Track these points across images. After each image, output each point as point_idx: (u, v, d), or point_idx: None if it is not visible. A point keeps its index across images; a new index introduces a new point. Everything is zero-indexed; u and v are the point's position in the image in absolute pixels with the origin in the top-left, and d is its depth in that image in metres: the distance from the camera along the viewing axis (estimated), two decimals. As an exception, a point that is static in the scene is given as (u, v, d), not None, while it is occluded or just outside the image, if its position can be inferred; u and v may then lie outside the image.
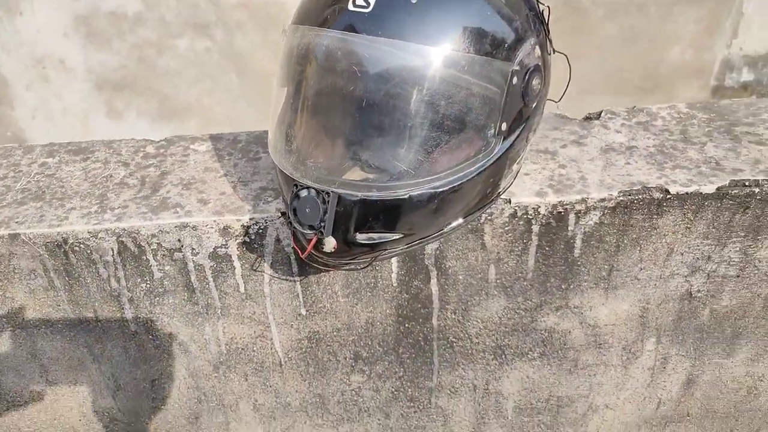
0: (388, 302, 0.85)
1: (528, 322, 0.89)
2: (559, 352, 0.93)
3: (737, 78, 1.00)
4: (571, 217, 0.78)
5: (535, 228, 0.79)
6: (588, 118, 0.94)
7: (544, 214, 0.78)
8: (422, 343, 0.91)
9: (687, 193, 0.77)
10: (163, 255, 0.78)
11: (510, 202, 0.77)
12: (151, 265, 0.79)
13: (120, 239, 0.76)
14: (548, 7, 0.68)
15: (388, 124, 0.61)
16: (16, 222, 0.76)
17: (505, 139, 0.65)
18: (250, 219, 0.76)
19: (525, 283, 0.85)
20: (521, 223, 0.78)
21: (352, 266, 0.75)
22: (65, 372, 0.89)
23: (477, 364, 0.94)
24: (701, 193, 0.77)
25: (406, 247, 0.68)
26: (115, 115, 0.91)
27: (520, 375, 0.96)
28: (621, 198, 0.77)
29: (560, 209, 0.77)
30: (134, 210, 0.77)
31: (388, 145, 0.63)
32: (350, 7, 0.59)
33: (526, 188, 0.79)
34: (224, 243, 0.78)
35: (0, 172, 0.85)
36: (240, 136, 0.92)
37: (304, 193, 0.63)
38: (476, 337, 0.90)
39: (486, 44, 0.61)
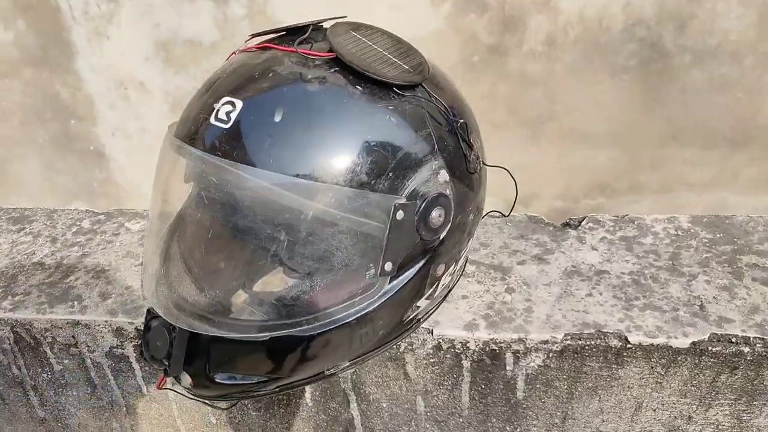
0: (305, 421, 0.76)
1: (468, 461, 0.76)
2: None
3: None
4: (509, 356, 0.66)
5: (466, 363, 0.67)
6: (566, 225, 0.81)
7: (474, 350, 0.66)
8: None
9: (653, 345, 0.63)
10: (60, 348, 0.73)
11: (432, 333, 0.66)
12: (49, 357, 0.74)
13: (14, 329, 0.72)
14: (464, 123, 0.56)
15: (234, 260, 0.53)
16: None
17: (394, 278, 0.54)
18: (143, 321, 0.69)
19: (461, 420, 0.72)
20: (448, 356, 0.67)
21: (215, 404, 0.68)
22: (-20, 448, 0.86)
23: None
24: (671, 346, 0.63)
25: (278, 390, 0.58)
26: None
27: None
28: (568, 342, 0.64)
29: (494, 347, 0.65)
30: (34, 299, 0.73)
31: (233, 283, 0.54)
32: (212, 120, 0.51)
33: (457, 317, 0.67)
34: (119, 344, 0.71)
35: (-66, 239, 0.84)
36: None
37: (155, 323, 0.55)
38: (409, 470, 0.79)
39: (360, 174, 0.50)
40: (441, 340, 0.66)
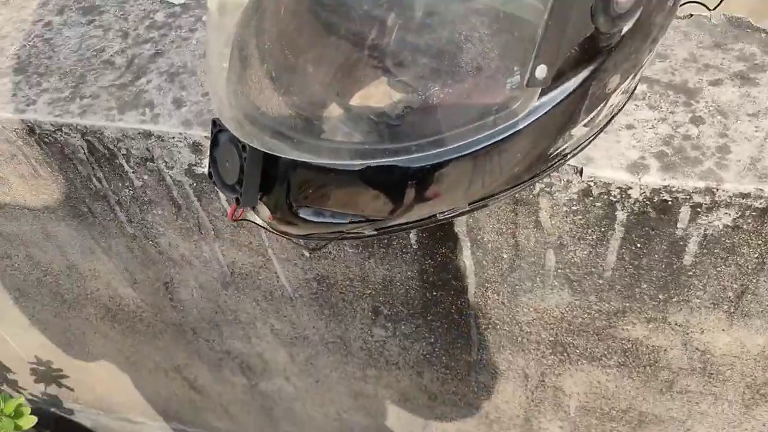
0: (408, 264, 0.65)
1: (603, 326, 0.63)
2: (647, 368, 0.67)
3: None
4: (684, 210, 0.49)
5: (621, 216, 0.51)
6: (788, 32, 0.57)
7: (637, 200, 0.49)
8: (455, 316, 0.70)
9: None
10: (136, 163, 0.64)
11: (581, 173, 0.49)
12: (127, 171, 0.66)
13: (86, 137, 0.63)
14: None
15: (327, 60, 0.38)
16: (-13, 99, 0.66)
17: (546, 91, 0.37)
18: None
19: (601, 282, 0.58)
20: (598, 204, 0.51)
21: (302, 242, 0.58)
22: (81, 257, 0.84)
23: (529, 354, 0.71)
24: None
25: (378, 234, 0.46)
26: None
27: (589, 378, 0.72)
28: (781, 198, 0.45)
29: (666, 197, 0.48)
30: (103, 104, 0.63)
31: (324, 92, 0.39)
32: None
33: (618, 153, 0.49)
34: (198, 161, 0.61)
35: (4, 29, 0.75)
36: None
37: (223, 138, 0.43)
38: (527, 326, 0.67)
39: None
40: (592, 183, 0.49)
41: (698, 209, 0.48)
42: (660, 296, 0.57)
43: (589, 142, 0.46)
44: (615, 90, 0.41)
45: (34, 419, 1.11)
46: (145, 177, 0.66)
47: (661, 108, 0.52)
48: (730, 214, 0.48)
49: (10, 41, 0.73)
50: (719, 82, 0.53)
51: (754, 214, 0.47)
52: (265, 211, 0.44)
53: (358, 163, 0.39)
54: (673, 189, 0.47)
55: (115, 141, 0.62)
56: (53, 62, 0.69)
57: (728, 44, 0.56)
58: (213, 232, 0.71)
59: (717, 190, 0.46)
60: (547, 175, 0.46)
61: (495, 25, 0.35)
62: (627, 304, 0.60)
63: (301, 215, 0.44)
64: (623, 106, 0.47)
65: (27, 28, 0.75)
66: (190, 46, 0.67)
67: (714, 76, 0.53)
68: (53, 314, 1.03)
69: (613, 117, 0.46)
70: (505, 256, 0.59)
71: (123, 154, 0.64)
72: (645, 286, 0.57)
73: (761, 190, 0.45)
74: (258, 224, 0.47)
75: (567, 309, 0.63)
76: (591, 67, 0.38)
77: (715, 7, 0.48)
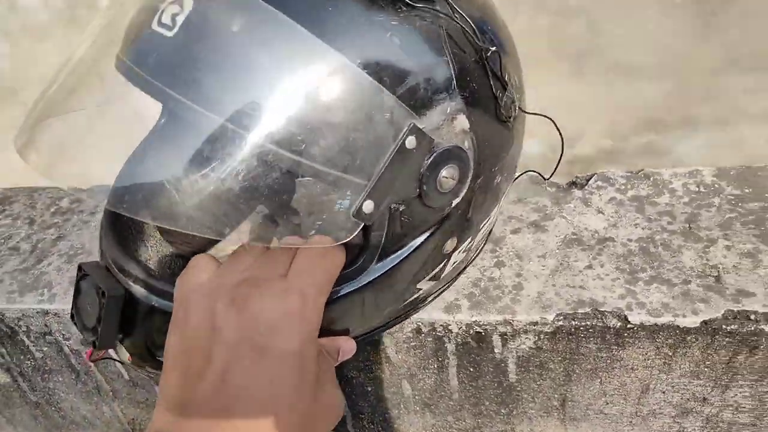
0: (291, 405, 0.72)
1: (466, 442, 0.72)
2: (514, 477, 0.75)
3: None
4: (495, 338, 0.60)
5: (450, 347, 0.61)
6: (572, 184, 0.73)
7: (458, 333, 0.60)
8: (342, 449, 0.77)
9: (656, 325, 0.55)
10: (36, 337, 0.71)
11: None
12: (28, 345, 0.72)
13: (-13, 318, 0.70)
14: (497, 51, 0.42)
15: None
16: None
17: (383, 257, 0.43)
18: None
19: (452, 403, 0.67)
20: (430, 339, 0.61)
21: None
22: (-15, 429, 0.87)
23: (413, 476, 0.78)
24: (678, 326, 0.55)
25: None
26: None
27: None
28: (560, 323, 0.57)
29: (479, 329, 0.59)
30: (5, 287, 0.70)
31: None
32: (154, 25, 0.39)
33: (439, 296, 0.61)
34: (93, 331, 0.69)
35: None
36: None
37: (85, 284, 0.46)
38: (405, 451, 0.75)
39: (376, 63, 0.37)
40: (420, 324, 0.60)
41: (505, 336, 0.59)
42: (502, 410, 0.67)
43: (441, 292, 0.56)
44: (455, 250, 0.48)
45: None
46: (45, 349, 0.72)
47: (472, 255, 0.64)
48: (530, 338, 0.59)
49: None
50: (518, 231, 0.67)
51: (546, 336, 0.58)
52: (124, 352, 0.46)
53: None
54: (482, 323, 0.58)
55: (16, 320, 0.69)
56: (-39, 251, 0.77)
57: (528, 198, 0.71)
58: (111, 393, 0.76)
59: (513, 320, 0.58)
60: (403, 319, 0.55)
61: (344, 141, 0.37)
62: (479, 420, 0.69)
63: (158, 357, 0.45)
64: (473, 260, 0.56)
65: (-62, 220, 0.83)
66: (90, 228, 0.77)
67: (515, 226, 0.67)
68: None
69: (461, 271, 0.55)
70: (369, 389, 0.68)
71: (23, 331, 0.71)
72: (487, 403, 0.66)
73: (545, 318, 0.57)
74: (120, 361, 0.50)
75: (432, 430, 0.71)
76: (426, 234, 0.44)
77: (550, 177, 0.57)
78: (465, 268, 0.55)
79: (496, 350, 0.61)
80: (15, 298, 0.69)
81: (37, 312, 0.68)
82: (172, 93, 0.37)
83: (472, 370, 0.63)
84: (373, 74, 0.37)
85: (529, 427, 0.68)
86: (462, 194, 0.43)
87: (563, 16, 0.70)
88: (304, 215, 0.45)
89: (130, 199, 0.43)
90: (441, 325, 0.59)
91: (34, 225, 0.80)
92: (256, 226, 0.44)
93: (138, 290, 0.44)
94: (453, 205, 0.44)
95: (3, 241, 0.78)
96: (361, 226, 0.40)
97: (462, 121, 0.41)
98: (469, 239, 0.49)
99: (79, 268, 0.46)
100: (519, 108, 0.45)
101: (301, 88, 0.36)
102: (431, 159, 0.40)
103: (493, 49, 0.41)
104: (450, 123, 0.40)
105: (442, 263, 0.48)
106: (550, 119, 0.48)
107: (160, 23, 0.38)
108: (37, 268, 0.72)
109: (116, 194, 0.43)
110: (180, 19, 0.37)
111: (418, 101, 0.38)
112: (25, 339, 0.72)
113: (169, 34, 0.38)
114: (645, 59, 0.71)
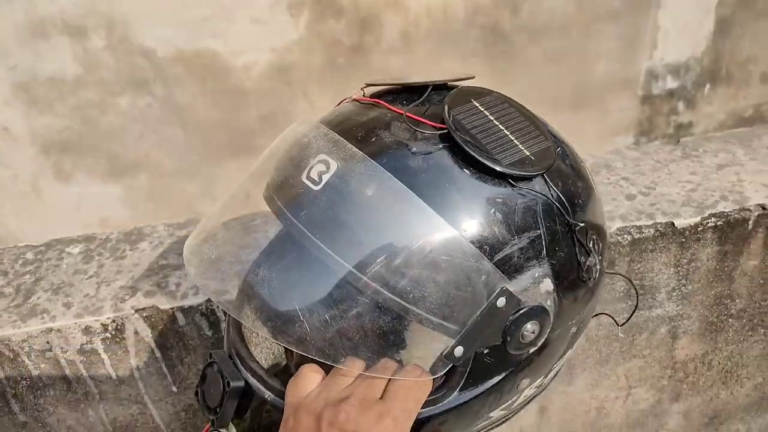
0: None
1: None
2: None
3: (663, 86, 1.11)
4: None
5: None
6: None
7: None
8: None
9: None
10: (36, 355, 0.89)
11: None
12: (27, 365, 0.90)
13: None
14: (585, 227, 0.50)
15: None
16: None
17: (464, 389, 0.50)
18: (107, 318, 0.87)
19: None
20: None
21: None
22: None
23: None
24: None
25: None
26: (64, 176, 0.97)
27: None
28: None
29: None
30: (6, 319, 0.88)
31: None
32: (303, 177, 0.48)
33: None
34: (89, 340, 0.89)
35: None
36: (111, 235, 1.04)
37: (210, 371, 0.54)
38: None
39: (480, 234, 0.46)
40: None
41: None
42: None
43: (508, 419, 0.60)
44: (527, 387, 0.55)
45: None
46: (42, 365, 0.90)
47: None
48: None
49: None
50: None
51: None
52: (233, 429, 0.54)
53: None
54: None
55: (20, 342, 0.87)
56: (-51, 302, 0.92)
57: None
58: (98, 396, 0.95)
59: None
60: None
61: (444, 297, 0.45)
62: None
63: None
64: (541, 392, 0.60)
65: None
66: (62, 268, 0.97)
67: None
68: None
69: (529, 401, 0.59)
70: None
71: (26, 351, 0.88)
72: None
73: None
74: None
75: None
76: (503, 374, 0.51)
77: (623, 324, 0.64)
78: (531, 400, 0.59)
79: None
80: (19, 325, 0.87)
81: (42, 331, 0.87)
82: (314, 239, 0.45)
83: None
84: (476, 243, 0.45)
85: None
86: (540, 343, 0.50)
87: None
88: (406, 351, 0.50)
89: (263, 318, 0.52)
90: None
91: (9, 275, 0.97)
92: (367, 357, 0.49)
93: (254, 383, 0.52)
94: (531, 352, 0.50)
95: (-15, 289, 0.94)
96: (450, 365, 0.47)
97: (547, 284, 0.48)
98: (542, 377, 0.55)
99: (210, 355, 0.55)
100: (600, 270, 0.52)
101: (417, 251, 0.44)
102: (517, 315, 0.47)
103: (582, 224, 0.49)
104: (536, 285, 0.47)
105: (515, 397, 0.54)
106: (627, 278, 0.57)
107: (309, 177, 0.47)
108: (29, 302, 0.90)
109: (249, 310, 0.53)
110: (325, 178, 0.46)
111: (512, 267, 0.46)
112: (26, 359, 0.89)
113: (315, 188, 0.47)
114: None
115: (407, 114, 0.49)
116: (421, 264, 0.45)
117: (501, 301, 0.46)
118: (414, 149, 0.47)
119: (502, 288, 0.46)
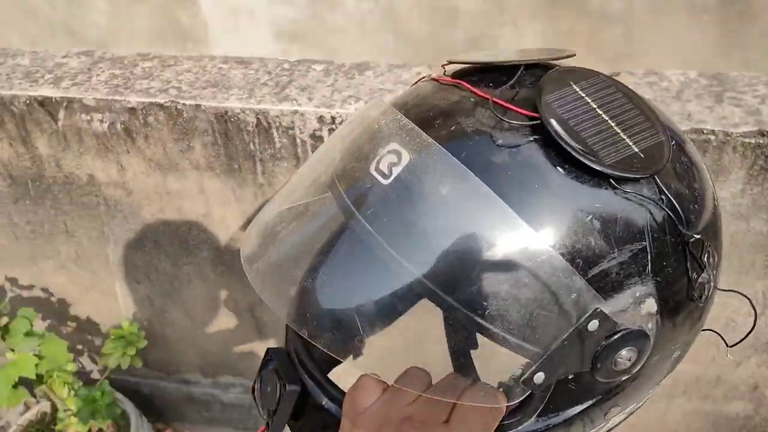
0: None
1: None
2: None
3: None
4: None
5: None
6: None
7: None
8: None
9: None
10: (282, 131, 1.20)
11: None
12: (274, 137, 1.21)
13: (257, 116, 1.19)
14: (701, 239, 0.42)
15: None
16: (200, 98, 1.22)
17: (544, 415, 0.45)
18: (336, 112, 1.14)
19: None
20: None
21: None
22: (218, 206, 1.36)
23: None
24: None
25: None
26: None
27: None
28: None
29: None
30: (267, 99, 1.19)
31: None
32: (372, 169, 0.42)
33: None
34: (319, 127, 1.17)
35: (194, 70, 1.32)
36: (346, 63, 1.31)
37: (268, 368, 0.51)
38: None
39: (572, 245, 0.39)
40: None
41: None
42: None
43: None
44: (616, 414, 0.48)
45: (145, 342, 1.55)
46: (284, 140, 1.21)
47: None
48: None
49: (199, 75, 1.30)
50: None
51: None
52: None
53: None
54: None
55: (274, 117, 1.18)
56: (232, 83, 1.26)
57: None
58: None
59: None
60: None
61: (526, 316, 0.39)
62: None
63: None
64: (627, 418, 0.53)
65: (208, 68, 1.32)
66: (308, 77, 1.26)
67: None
68: (171, 263, 1.52)
69: (615, 426, 0.52)
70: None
71: (276, 126, 1.19)
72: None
73: None
74: None
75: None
76: (590, 402, 0.45)
77: (733, 345, 0.50)
78: (616, 426, 0.53)
79: None
80: (276, 104, 1.18)
81: (290, 112, 1.17)
82: (381, 239, 0.40)
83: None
84: (566, 256, 0.38)
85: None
86: (634, 372, 0.43)
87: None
88: (478, 371, 0.47)
89: (319, 328, 0.45)
90: None
91: (272, 74, 1.28)
92: (434, 374, 0.45)
93: (312, 386, 0.48)
94: (623, 379, 0.43)
95: (255, 80, 1.26)
96: (528, 392, 0.41)
97: (650, 305, 0.41)
98: (633, 405, 0.49)
99: (267, 351, 0.52)
100: (714, 286, 0.45)
101: (496, 261, 0.38)
102: (611, 340, 0.40)
103: (697, 236, 0.41)
104: (637, 306, 0.40)
105: (601, 425, 0.48)
106: (746, 297, 0.47)
107: (378, 169, 0.41)
108: (284, 92, 1.21)
109: (306, 318, 0.46)
110: (396, 170, 0.40)
111: (608, 285, 0.39)
112: (275, 132, 1.20)
113: (385, 182, 0.41)
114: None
115: (493, 99, 0.42)
116: (501, 277, 0.39)
117: (593, 324, 0.39)
118: (499, 141, 0.41)
119: (595, 309, 0.39)
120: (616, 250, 0.40)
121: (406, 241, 0.41)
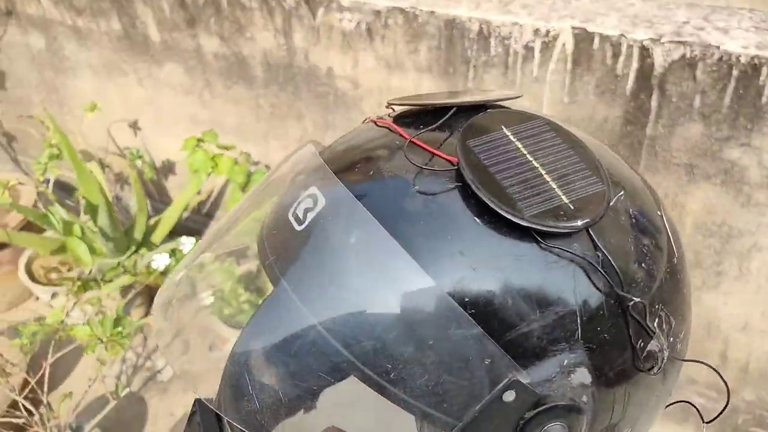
0: (621, 107, 1.32)
1: (716, 150, 1.27)
2: (737, 184, 1.29)
3: None
4: (765, 70, 1.13)
5: (735, 72, 1.16)
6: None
7: (743, 63, 1.15)
8: (635, 146, 1.36)
9: None
10: (499, 40, 1.39)
11: (719, 48, 1.16)
12: (491, 45, 1.40)
13: (481, 25, 1.39)
14: (642, 303, 0.38)
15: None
16: (435, 5, 1.44)
17: None
18: (552, 26, 1.30)
19: (719, 116, 1.23)
20: (724, 66, 1.17)
21: None
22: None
23: (671, 174, 1.35)
24: None
25: None
26: None
27: (703, 195, 1.34)
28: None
29: (755, 62, 1.13)
30: (494, 10, 1.38)
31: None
32: (290, 214, 0.41)
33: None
34: (533, 39, 1.34)
35: (431, -15, 1.55)
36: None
37: (194, 419, 0.50)
38: (675, 152, 1.32)
39: (486, 305, 0.36)
40: (723, 54, 1.15)
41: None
42: (749, 126, 1.20)
43: None
44: None
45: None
46: (499, 50, 1.40)
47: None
48: (784, 72, 1.11)
49: (438, -13, 1.52)
50: None
51: (794, 71, 1.10)
52: None
53: None
54: (761, 57, 1.12)
55: (495, 27, 1.37)
56: None
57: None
58: (519, 81, 1.42)
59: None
60: None
61: (433, 381, 0.36)
62: (731, 133, 1.23)
63: None
64: None
65: (443, -16, 1.54)
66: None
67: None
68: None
69: None
70: (674, 100, 1.25)
71: (495, 36, 1.38)
72: (742, 119, 1.20)
73: (797, 58, 1.09)
74: None
75: (699, 137, 1.26)
76: None
77: (710, 421, 0.43)
78: None
79: (761, 78, 1.14)
80: (497, 14, 1.36)
81: (511, 23, 1.35)
82: (284, 282, 0.38)
83: (741, 91, 1.17)
84: (478, 316, 0.35)
85: (761, 142, 1.21)
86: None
87: None
88: None
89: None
90: (735, 56, 1.14)
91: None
92: None
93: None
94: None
95: (482, -4, 1.46)
96: None
97: (582, 375, 0.37)
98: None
99: (194, 402, 0.49)
100: (670, 356, 0.40)
101: (398, 319, 0.36)
102: (535, 413, 0.36)
103: (637, 299, 0.37)
104: (566, 376, 0.37)
105: None
106: (713, 368, 0.42)
107: (294, 214, 0.40)
108: (508, 6, 1.39)
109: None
110: (310, 216, 0.39)
111: (528, 351, 0.36)
112: (492, 41, 1.39)
113: (298, 228, 0.39)
114: None
115: (412, 140, 0.40)
116: (404, 337, 0.36)
117: (508, 395, 0.36)
118: (417, 187, 0.38)
119: (510, 378, 0.36)
120: (537, 312, 0.36)
121: (309, 292, 0.39)
